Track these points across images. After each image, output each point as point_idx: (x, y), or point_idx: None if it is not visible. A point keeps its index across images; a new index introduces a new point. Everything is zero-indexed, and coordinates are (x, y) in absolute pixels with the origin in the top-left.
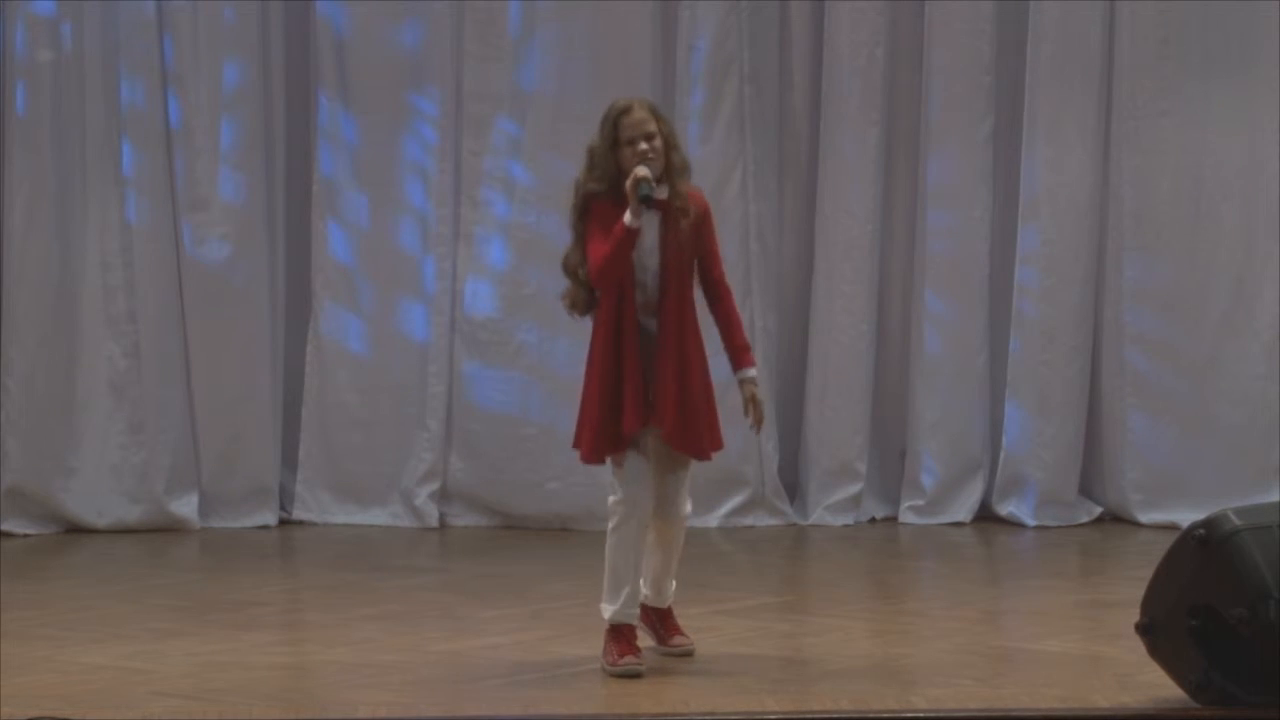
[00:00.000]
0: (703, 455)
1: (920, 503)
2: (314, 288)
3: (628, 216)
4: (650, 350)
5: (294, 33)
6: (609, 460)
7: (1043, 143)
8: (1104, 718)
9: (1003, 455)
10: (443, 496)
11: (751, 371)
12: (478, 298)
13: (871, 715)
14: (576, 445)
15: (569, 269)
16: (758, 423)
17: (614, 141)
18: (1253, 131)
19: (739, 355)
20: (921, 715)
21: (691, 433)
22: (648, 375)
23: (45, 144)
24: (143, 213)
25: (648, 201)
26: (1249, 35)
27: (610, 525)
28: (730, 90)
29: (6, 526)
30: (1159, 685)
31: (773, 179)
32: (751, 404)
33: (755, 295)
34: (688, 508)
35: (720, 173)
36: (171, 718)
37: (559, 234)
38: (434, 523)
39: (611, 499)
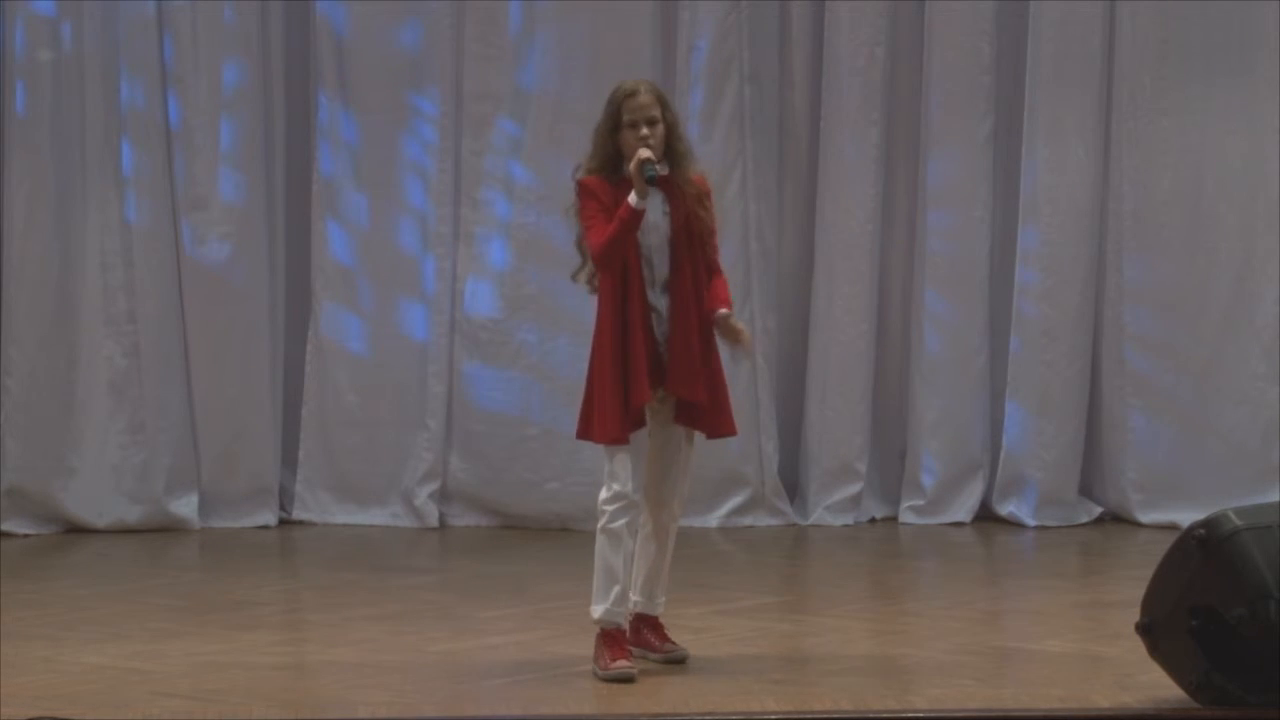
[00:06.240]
0: (727, 429)
1: (920, 503)
2: (314, 288)
3: (632, 197)
4: (660, 327)
5: (294, 33)
6: (606, 451)
7: (1043, 143)
8: (1104, 718)
9: (1003, 455)
10: (443, 496)
11: (725, 310)
12: (478, 298)
13: (871, 715)
14: (585, 432)
15: (583, 250)
16: (746, 346)
17: (616, 124)
18: (1253, 131)
19: (720, 304)
20: (921, 715)
21: (718, 399)
22: (659, 349)
23: (45, 144)
24: (143, 212)
25: (653, 181)
26: (1249, 35)
27: (601, 523)
28: (730, 90)
29: (6, 526)
30: (1159, 685)
31: (773, 179)
32: (738, 331)
33: (755, 295)
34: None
35: (720, 173)
36: (171, 718)
37: (559, 234)
38: (434, 523)
39: (603, 495)
